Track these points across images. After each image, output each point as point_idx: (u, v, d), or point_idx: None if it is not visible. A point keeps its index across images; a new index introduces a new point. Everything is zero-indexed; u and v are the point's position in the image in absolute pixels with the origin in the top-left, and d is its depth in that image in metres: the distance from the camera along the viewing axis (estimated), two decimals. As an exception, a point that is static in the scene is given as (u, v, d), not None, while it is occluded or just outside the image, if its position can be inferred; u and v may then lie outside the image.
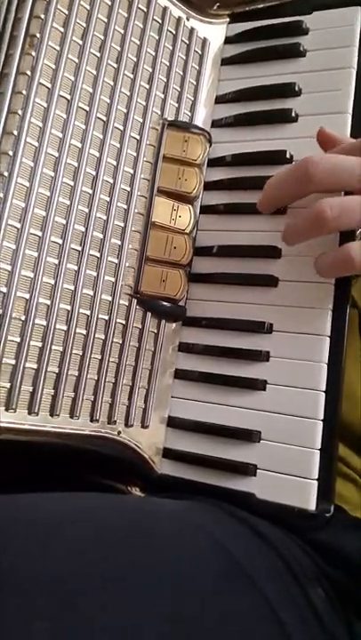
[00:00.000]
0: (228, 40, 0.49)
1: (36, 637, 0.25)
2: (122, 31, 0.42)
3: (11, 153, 0.35)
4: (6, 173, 0.35)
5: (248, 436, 0.39)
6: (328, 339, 0.40)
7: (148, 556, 0.31)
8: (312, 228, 0.37)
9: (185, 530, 0.35)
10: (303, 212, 0.37)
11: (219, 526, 0.36)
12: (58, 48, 0.38)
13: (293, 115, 0.45)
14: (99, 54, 0.40)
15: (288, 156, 0.44)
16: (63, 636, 0.26)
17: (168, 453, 0.41)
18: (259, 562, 0.35)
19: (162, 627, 0.29)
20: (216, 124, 0.47)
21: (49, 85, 0.37)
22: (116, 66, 0.41)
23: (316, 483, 0.37)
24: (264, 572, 0.35)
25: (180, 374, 0.43)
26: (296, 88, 0.45)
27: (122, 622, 0.28)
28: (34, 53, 0.37)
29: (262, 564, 0.35)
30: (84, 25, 0.39)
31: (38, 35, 0.37)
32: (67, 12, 0.39)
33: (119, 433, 0.39)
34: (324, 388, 0.39)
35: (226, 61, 0.48)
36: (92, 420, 0.38)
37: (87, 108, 0.39)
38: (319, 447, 0.38)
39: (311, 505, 0.37)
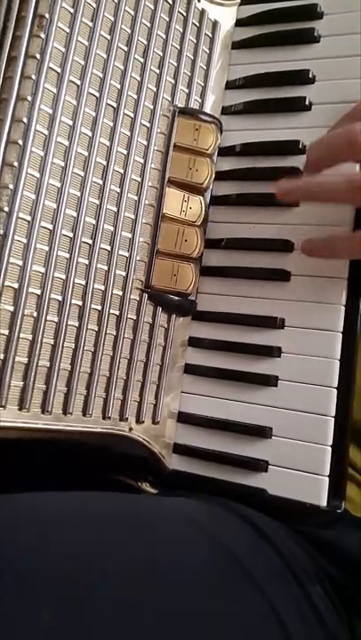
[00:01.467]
0: (238, 22, 0.47)
1: (40, 635, 0.25)
2: (132, 12, 0.40)
3: (20, 142, 0.33)
4: (16, 164, 0.33)
5: (260, 432, 0.39)
6: (340, 335, 0.39)
7: (149, 556, 0.31)
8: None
9: (186, 529, 0.35)
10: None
11: (220, 525, 0.36)
12: (67, 30, 0.36)
13: (307, 103, 0.43)
14: (109, 37, 0.38)
15: (301, 146, 0.43)
16: (66, 634, 0.26)
17: (178, 449, 0.41)
18: (260, 561, 0.36)
19: (163, 625, 0.29)
20: (226, 110, 0.46)
21: (58, 70, 0.36)
22: (126, 49, 0.39)
23: (327, 479, 0.38)
24: (265, 571, 0.35)
25: (191, 369, 0.42)
26: (310, 75, 0.44)
27: (123, 620, 0.28)
28: (43, 35, 0.35)
29: (263, 564, 0.36)
30: (94, 5, 0.38)
31: (47, 15, 0.35)
32: (76, -9, 0.37)
33: (131, 429, 0.38)
34: (336, 384, 0.39)
35: (237, 45, 0.47)
36: (104, 418, 0.37)
37: (97, 94, 0.38)
38: (331, 444, 0.38)
39: (322, 501, 0.37)
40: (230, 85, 0.46)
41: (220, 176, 0.44)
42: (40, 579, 0.27)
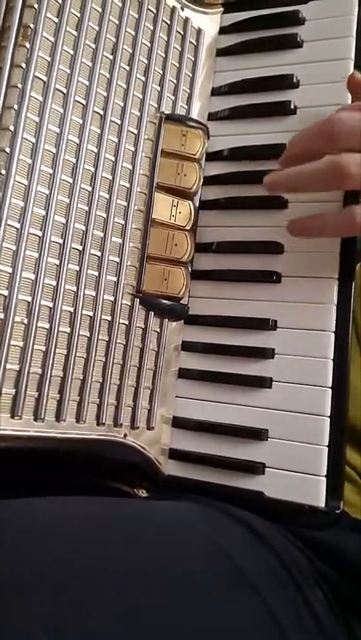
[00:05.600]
0: (222, 30, 0.48)
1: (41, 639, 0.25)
2: (116, 21, 0.40)
3: (8, 150, 0.34)
4: (4, 171, 0.33)
5: (255, 434, 0.39)
6: (333, 334, 0.39)
7: (146, 561, 0.31)
8: (332, 180, 0.36)
9: (184, 533, 0.35)
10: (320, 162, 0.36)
11: (218, 529, 0.36)
12: (52, 39, 0.36)
13: (292, 107, 0.44)
14: (94, 45, 0.39)
15: (287, 149, 0.43)
16: (64, 638, 0.26)
17: (174, 454, 0.41)
18: (257, 564, 0.35)
19: (160, 629, 0.28)
20: (212, 116, 0.46)
21: (44, 78, 0.36)
22: (111, 57, 0.40)
23: (324, 479, 0.37)
24: (262, 574, 0.35)
25: (184, 373, 0.42)
26: (295, 79, 0.44)
27: (121, 625, 0.27)
28: (28, 45, 0.35)
29: (261, 567, 0.35)
30: (78, 15, 0.38)
31: (32, 25, 0.35)
32: (60, 1, 0.37)
33: (125, 436, 0.38)
34: (330, 384, 0.39)
35: (221, 52, 0.47)
36: (98, 424, 0.37)
37: (84, 102, 0.38)
38: (327, 444, 0.38)
39: (321, 502, 0.37)
40: (216, 92, 0.47)
41: (209, 181, 0.45)
42: (39, 584, 0.27)
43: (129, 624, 0.28)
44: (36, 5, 0.35)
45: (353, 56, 0.44)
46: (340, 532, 0.40)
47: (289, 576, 0.36)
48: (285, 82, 0.44)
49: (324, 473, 0.37)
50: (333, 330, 0.39)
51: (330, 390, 0.38)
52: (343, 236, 0.39)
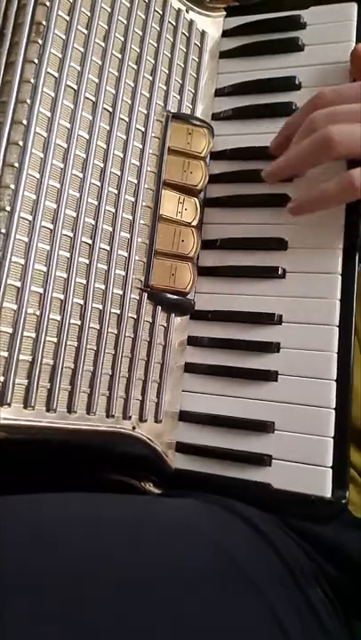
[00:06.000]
0: (225, 33, 0.49)
1: (44, 637, 0.25)
2: (125, 21, 0.41)
3: (21, 143, 0.34)
4: (17, 165, 0.34)
5: (262, 426, 0.39)
6: (337, 328, 0.40)
7: (149, 558, 0.31)
8: (319, 152, 0.37)
9: (186, 531, 0.35)
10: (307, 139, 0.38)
11: (220, 527, 0.36)
12: (64, 36, 0.37)
13: (294, 108, 0.45)
14: (103, 44, 0.39)
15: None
16: (69, 636, 0.26)
17: (182, 447, 0.41)
18: (259, 563, 0.36)
19: (163, 627, 0.29)
20: (215, 116, 0.47)
21: (56, 74, 0.36)
22: (120, 56, 0.41)
23: (330, 470, 0.38)
24: (264, 573, 0.35)
25: (191, 368, 0.43)
26: (297, 81, 0.45)
27: (124, 622, 0.28)
28: (40, 41, 0.36)
29: (263, 566, 0.36)
30: (89, 13, 0.39)
31: (44, 22, 0.36)
32: (71, 0, 0.38)
33: (134, 428, 0.38)
34: (334, 376, 0.39)
35: (224, 54, 0.48)
36: (107, 416, 0.37)
37: (94, 99, 0.39)
38: (332, 435, 0.38)
39: (327, 492, 0.37)
40: (219, 93, 0.48)
41: (213, 179, 0.45)
42: (42, 581, 0.27)
43: (132, 624, 0.28)
44: (48, 3, 0.36)
45: (353, 59, 0.45)
46: (342, 529, 0.41)
47: (291, 575, 0.36)
48: (288, 83, 0.45)
49: (330, 464, 0.38)
50: (337, 324, 0.40)
51: (335, 383, 0.39)
52: (345, 202, 0.40)
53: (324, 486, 0.38)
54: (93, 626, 0.27)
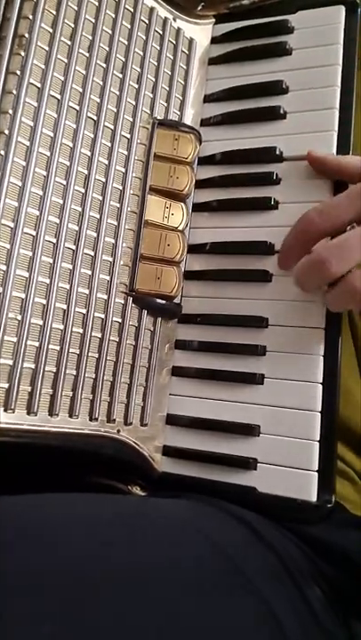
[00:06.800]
0: (214, 40, 0.49)
1: (43, 637, 0.25)
2: (110, 31, 0.42)
3: (2, 152, 0.35)
4: (-1, 173, 0.34)
5: (248, 430, 0.39)
6: (324, 331, 0.40)
7: (148, 558, 0.31)
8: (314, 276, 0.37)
9: (183, 531, 0.35)
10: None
11: (217, 527, 0.36)
12: (47, 48, 0.38)
13: (282, 112, 0.45)
14: (87, 54, 0.40)
15: (278, 152, 0.44)
16: (69, 636, 0.26)
17: (168, 451, 0.41)
18: (256, 562, 0.35)
19: (161, 626, 0.29)
20: (205, 122, 0.48)
21: (39, 85, 0.37)
22: (104, 66, 0.41)
23: (316, 474, 0.37)
24: (262, 572, 0.35)
25: (178, 371, 0.43)
26: (284, 85, 0.45)
27: (122, 622, 0.28)
28: (23, 53, 0.37)
29: (260, 565, 0.35)
30: (72, 25, 0.40)
31: (27, 35, 0.37)
32: (55, 13, 0.39)
33: (119, 431, 0.39)
34: (320, 379, 0.39)
35: (213, 61, 0.49)
36: (91, 419, 0.37)
37: (77, 108, 0.39)
38: (318, 439, 0.38)
39: (313, 496, 0.37)
40: (209, 99, 0.48)
41: (201, 184, 0.46)
42: (42, 581, 0.27)
43: (131, 624, 0.28)
44: (30, 16, 0.37)
45: (341, 62, 0.45)
46: (340, 530, 0.40)
47: (288, 574, 0.36)
48: (275, 87, 0.46)
49: (316, 468, 0.38)
50: (324, 327, 0.40)
51: (320, 386, 0.39)
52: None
53: (309, 490, 0.37)
54: (93, 626, 0.27)
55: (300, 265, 0.38)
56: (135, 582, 0.30)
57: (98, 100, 0.41)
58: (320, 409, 0.38)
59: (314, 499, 0.37)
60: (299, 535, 0.40)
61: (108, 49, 0.42)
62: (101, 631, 0.27)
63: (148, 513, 0.36)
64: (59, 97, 0.38)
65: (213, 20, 0.49)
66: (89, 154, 0.40)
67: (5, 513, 0.30)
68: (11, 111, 0.36)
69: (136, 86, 0.43)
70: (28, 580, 0.27)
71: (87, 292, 0.38)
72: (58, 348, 0.36)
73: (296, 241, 0.38)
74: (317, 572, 0.39)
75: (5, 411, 0.33)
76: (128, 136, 0.42)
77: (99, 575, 0.29)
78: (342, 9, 0.46)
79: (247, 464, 0.39)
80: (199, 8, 0.49)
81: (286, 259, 0.40)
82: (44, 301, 0.36)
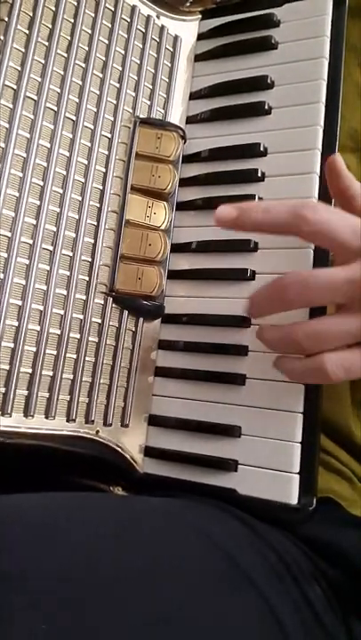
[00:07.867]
0: (200, 36, 0.49)
1: (41, 636, 0.25)
2: (89, 31, 0.42)
3: (-24, 155, 0.35)
4: (-27, 176, 0.35)
5: (229, 431, 0.39)
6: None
7: (148, 558, 0.31)
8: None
9: (184, 531, 0.34)
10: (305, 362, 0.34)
11: (216, 526, 0.36)
12: (23, 50, 0.38)
13: (267, 107, 0.44)
14: (66, 55, 0.40)
15: (262, 148, 0.43)
16: (66, 635, 0.26)
17: (150, 452, 0.41)
18: (257, 561, 0.35)
19: (160, 626, 0.28)
20: (191, 119, 0.47)
21: (14, 87, 0.37)
22: (84, 66, 0.41)
23: (297, 476, 0.37)
24: (262, 571, 0.35)
25: (161, 372, 0.42)
26: (269, 80, 0.45)
27: (120, 621, 0.27)
28: (-2, 56, 0.37)
29: (260, 563, 0.35)
30: (50, 26, 0.40)
31: (2, 37, 0.37)
32: (31, 14, 0.39)
33: (97, 432, 0.39)
34: (303, 380, 0.38)
35: (199, 57, 0.48)
36: (68, 420, 0.37)
37: (55, 108, 0.39)
38: (300, 440, 0.37)
39: (293, 499, 0.36)
40: (194, 96, 0.48)
41: (187, 182, 0.45)
42: (42, 581, 0.27)
43: (131, 624, 0.28)
44: (6, 18, 0.37)
45: (327, 55, 0.44)
46: (338, 527, 0.40)
47: (287, 571, 0.36)
48: (260, 83, 0.45)
49: (297, 470, 0.37)
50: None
51: (303, 386, 0.38)
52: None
53: (290, 493, 0.37)
54: (93, 626, 0.27)
55: (271, 339, 0.35)
56: (136, 582, 0.30)
57: (77, 101, 0.40)
58: (302, 410, 0.38)
59: (295, 502, 0.36)
60: (298, 534, 0.39)
61: (87, 49, 0.41)
62: (102, 631, 0.27)
63: (149, 513, 0.36)
64: (35, 98, 0.38)
65: (200, 16, 0.49)
66: (67, 154, 0.39)
67: (6, 512, 0.30)
68: (-16, 114, 0.36)
69: (117, 85, 0.43)
70: (28, 580, 0.27)
71: (65, 292, 0.38)
72: (34, 349, 0.36)
73: (271, 301, 0.35)
74: (317, 572, 0.38)
75: (-21, 412, 0.34)
76: (109, 135, 0.42)
77: (99, 575, 0.29)
78: (329, 0, 0.45)
79: (227, 465, 0.38)
80: (187, 4, 0.49)
81: (257, 313, 0.37)
82: (20, 302, 0.36)
